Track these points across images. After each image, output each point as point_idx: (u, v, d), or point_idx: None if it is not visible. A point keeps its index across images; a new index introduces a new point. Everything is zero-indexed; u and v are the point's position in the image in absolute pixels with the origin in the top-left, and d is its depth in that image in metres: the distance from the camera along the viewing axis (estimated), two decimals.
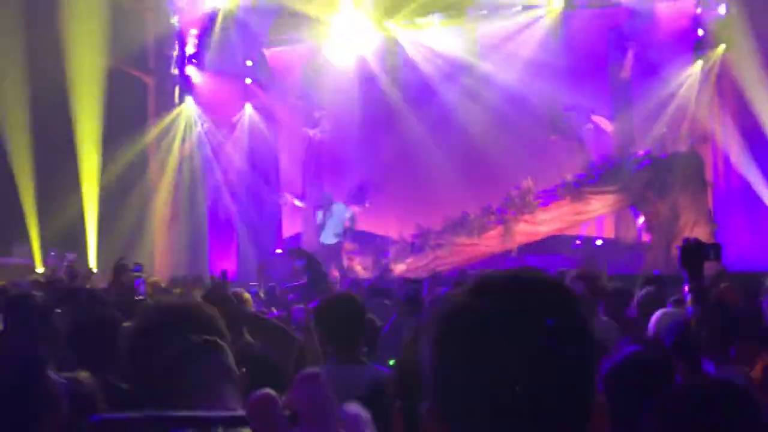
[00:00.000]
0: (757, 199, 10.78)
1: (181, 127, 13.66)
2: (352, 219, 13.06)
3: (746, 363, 3.03)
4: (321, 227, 13.14)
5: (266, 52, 14.59)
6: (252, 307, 4.70)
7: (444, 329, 0.99)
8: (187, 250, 13.05)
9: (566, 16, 12.64)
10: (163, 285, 6.96)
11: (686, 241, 3.09)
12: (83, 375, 2.55)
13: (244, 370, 2.18)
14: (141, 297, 5.21)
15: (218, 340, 2.10)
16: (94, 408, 2.35)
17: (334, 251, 12.91)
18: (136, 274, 5.61)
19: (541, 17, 12.76)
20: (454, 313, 1.00)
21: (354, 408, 2.29)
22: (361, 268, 13.04)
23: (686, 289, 3.01)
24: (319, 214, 13.15)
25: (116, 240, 11.54)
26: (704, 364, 2.80)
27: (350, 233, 13.12)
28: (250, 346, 3.76)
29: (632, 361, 2.37)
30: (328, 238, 12.98)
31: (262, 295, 7.91)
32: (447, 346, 0.98)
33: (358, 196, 13.63)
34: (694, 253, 3.02)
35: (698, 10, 11.92)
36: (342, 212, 13.06)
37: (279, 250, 13.96)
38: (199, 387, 1.97)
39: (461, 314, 0.99)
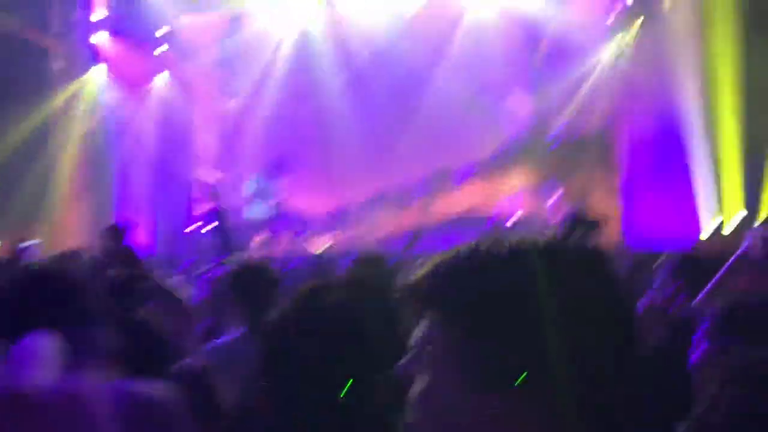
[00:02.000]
0: (664, 179, 11.01)
1: (87, 96, 13.03)
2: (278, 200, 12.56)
3: None
4: (249, 200, 12.65)
5: (183, 18, 14.04)
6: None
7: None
8: (93, 227, 12.53)
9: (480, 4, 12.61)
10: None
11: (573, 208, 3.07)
12: None
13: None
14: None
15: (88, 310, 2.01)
16: None
17: (257, 227, 12.51)
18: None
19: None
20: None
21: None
22: (276, 244, 12.85)
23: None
24: (250, 185, 12.57)
25: (14, 216, 10.99)
26: None
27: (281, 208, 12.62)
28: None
29: None
30: (254, 212, 12.53)
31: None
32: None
33: (277, 169, 13.35)
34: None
35: None
36: (273, 186, 12.54)
37: (189, 228, 13.60)
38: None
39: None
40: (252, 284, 3.49)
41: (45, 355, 1.90)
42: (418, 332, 1.09)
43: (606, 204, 10.95)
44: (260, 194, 12.53)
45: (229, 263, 5.97)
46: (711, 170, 10.55)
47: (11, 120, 11.47)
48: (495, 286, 1.02)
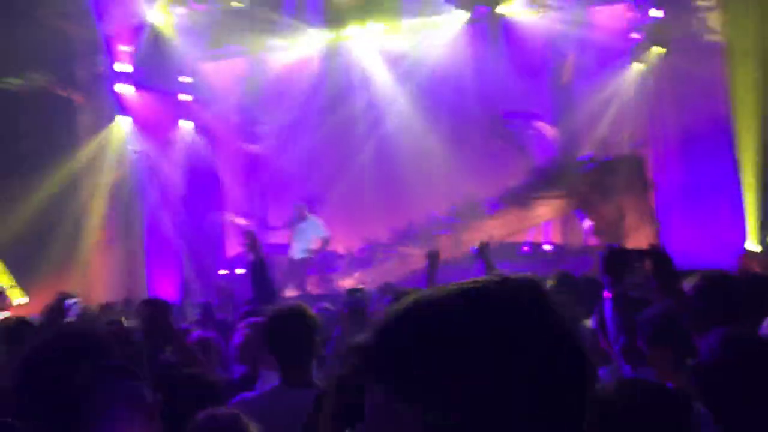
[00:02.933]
0: (696, 198, 10.94)
1: (114, 147, 13.13)
2: (326, 238, 12.43)
3: (660, 367, 2.93)
4: (292, 241, 12.53)
5: (202, 66, 14.24)
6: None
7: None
8: (124, 274, 12.51)
9: (504, 24, 12.69)
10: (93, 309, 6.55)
11: (609, 246, 3.08)
12: None
13: (159, 396, 2.08)
14: (71, 319, 4.90)
15: (126, 365, 2.02)
16: None
17: (299, 267, 12.38)
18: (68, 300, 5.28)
19: (481, 24, 12.81)
20: None
21: None
22: (308, 284, 12.75)
23: (605, 294, 2.93)
24: (299, 227, 12.43)
25: (47, 267, 10.99)
26: (623, 367, 2.73)
27: (323, 249, 12.48)
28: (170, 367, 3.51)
29: None
30: (297, 253, 12.41)
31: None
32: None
33: (307, 209, 13.32)
34: (616, 259, 2.98)
35: (630, 15, 12.09)
36: (316, 226, 12.45)
37: (223, 271, 13.55)
38: (103, 416, 1.91)
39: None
40: (287, 333, 3.16)
41: None
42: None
43: (642, 224, 10.83)
44: (314, 233, 12.36)
45: (266, 309, 5.86)
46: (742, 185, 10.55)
47: (43, 172, 11.57)
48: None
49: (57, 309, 5.26)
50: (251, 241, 6.45)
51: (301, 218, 12.36)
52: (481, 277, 0.97)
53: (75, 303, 5.33)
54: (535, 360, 0.89)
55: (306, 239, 12.23)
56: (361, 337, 0.98)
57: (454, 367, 0.88)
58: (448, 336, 0.89)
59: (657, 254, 3.00)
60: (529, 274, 0.98)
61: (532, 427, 0.88)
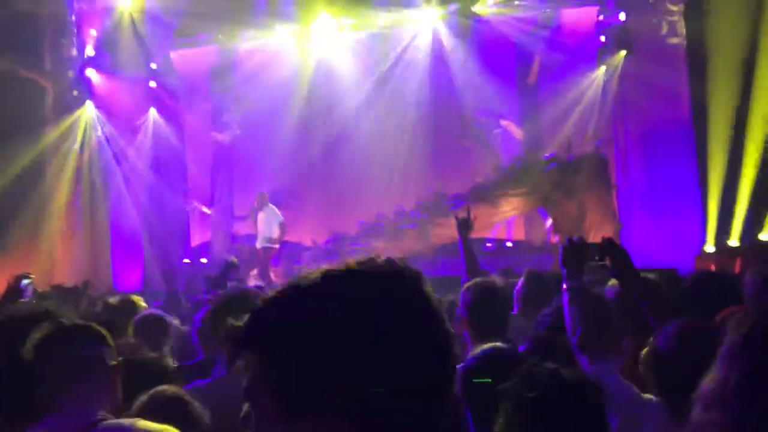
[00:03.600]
0: (657, 199, 11.17)
1: (80, 132, 13.00)
2: (282, 224, 12.57)
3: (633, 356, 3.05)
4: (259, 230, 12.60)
5: (172, 54, 14.13)
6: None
7: None
8: (89, 261, 12.41)
9: (474, 24, 12.82)
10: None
11: (569, 239, 3.06)
12: None
13: (120, 359, 2.13)
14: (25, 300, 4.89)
15: (85, 326, 2.06)
16: None
17: (261, 257, 12.48)
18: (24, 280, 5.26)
19: (451, 21, 12.94)
20: None
21: None
22: (273, 275, 12.77)
23: (564, 287, 2.99)
24: (260, 216, 12.53)
25: (9, 251, 10.86)
26: (579, 359, 2.82)
27: (282, 237, 12.60)
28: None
29: (487, 358, 2.54)
30: (260, 242, 12.52)
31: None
32: None
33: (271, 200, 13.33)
34: (575, 252, 3.00)
35: (600, 17, 12.29)
36: (275, 215, 12.56)
37: (186, 260, 13.51)
38: (61, 380, 1.97)
39: None
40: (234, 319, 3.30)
41: None
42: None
43: (604, 223, 11.05)
44: (274, 222, 12.45)
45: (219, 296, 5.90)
46: (706, 184, 10.79)
47: (7, 155, 11.41)
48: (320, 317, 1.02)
49: (14, 290, 5.26)
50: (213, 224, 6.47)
51: (261, 207, 12.46)
52: (344, 262, 1.11)
53: (29, 283, 5.32)
54: (388, 338, 1.00)
55: (268, 228, 12.35)
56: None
57: (313, 344, 1.00)
58: (307, 318, 1.03)
59: (613, 247, 3.09)
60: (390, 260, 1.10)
61: (391, 402, 0.98)
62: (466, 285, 3.74)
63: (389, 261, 1.09)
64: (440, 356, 1.04)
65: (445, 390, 1.04)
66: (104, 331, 2.10)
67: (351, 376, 0.98)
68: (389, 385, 0.98)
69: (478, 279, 3.88)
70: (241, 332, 1.06)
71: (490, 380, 2.22)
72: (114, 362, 2.08)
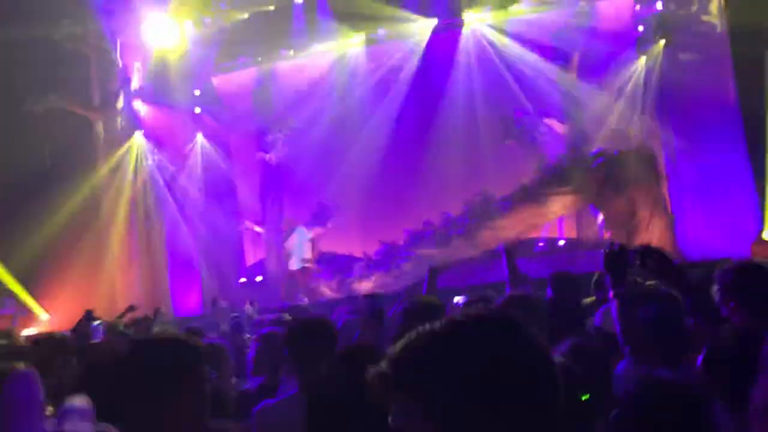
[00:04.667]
0: (708, 187, 10.95)
1: (132, 162, 13.42)
2: (313, 241, 12.90)
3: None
4: (289, 254, 12.99)
5: (214, 79, 14.46)
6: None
7: None
8: (148, 287, 12.77)
9: (511, 23, 12.79)
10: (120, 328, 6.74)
11: (609, 245, 3.06)
12: None
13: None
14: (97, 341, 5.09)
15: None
16: None
17: (301, 276, 12.79)
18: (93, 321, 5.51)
19: (483, 26, 12.95)
20: None
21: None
22: (327, 289, 12.92)
23: (610, 294, 2.97)
24: (291, 240, 12.95)
25: (72, 283, 11.26)
26: (637, 366, 2.79)
27: (316, 256, 12.98)
28: None
29: (571, 351, 2.54)
30: (296, 263, 12.83)
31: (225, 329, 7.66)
32: None
33: (320, 216, 13.51)
34: (617, 258, 3.01)
35: (637, 7, 12.14)
36: (304, 235, 12.94)
37: (243, 279, 13.77)
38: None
39: None
40: (307, 342, 3.26)
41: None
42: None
43: (655, 216, 10.90)
44: (304, 243, 12.79)
45: (286, 318, 5.98)
46: (763, 170, 10.52)
47: (64, 191, 11.85)
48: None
49: (84, 334, 5.51)
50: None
51: (291, 231, 12.82)
52: (464, 314, 1.25)
53: (99, 324, 5.54)
54: (512, 385, 1.17)
55: (300, 249, 12.66)
56: (387, 358, 1.23)
57: (465, 381, 1.16)
58: (443, 368, 1.18)
59: (654, 253, 3.03)
60: (507, 313, 1.26)
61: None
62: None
63: (496, 310, 1.30)
64: (552, 387, 1.21)
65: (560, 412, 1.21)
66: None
67: (498, 406, 1.16)
68: (528, 407, 1.17)
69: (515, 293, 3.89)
70: (390, 377, 1.21)
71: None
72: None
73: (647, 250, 2.97)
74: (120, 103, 13.71)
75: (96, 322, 5.57)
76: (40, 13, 11.59)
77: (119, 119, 13.71)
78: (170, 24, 13.29)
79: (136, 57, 13.86)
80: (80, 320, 5.97)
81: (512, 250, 5.26)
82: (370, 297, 4.51)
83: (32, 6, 11.40)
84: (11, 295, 12.02)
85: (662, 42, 11.68)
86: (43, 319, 12.01)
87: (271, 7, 13.17)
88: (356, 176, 13.35)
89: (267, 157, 14.32)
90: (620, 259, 3.01)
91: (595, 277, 5.44)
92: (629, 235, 10.63)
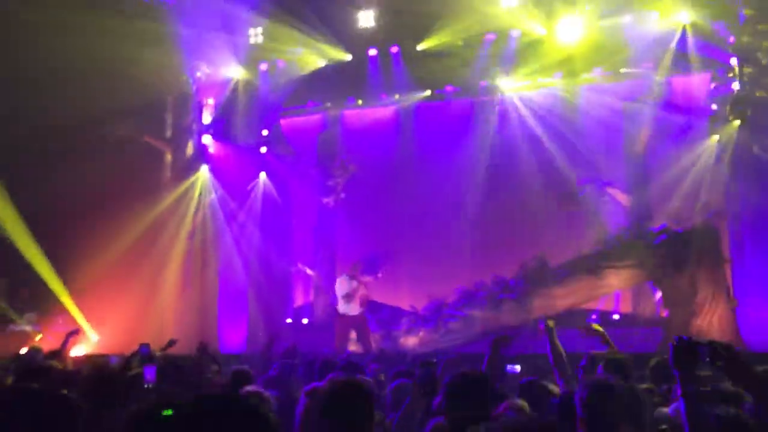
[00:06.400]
0: None
1: (196, 195, 13.73)
2: (362, 289, 12.71)
3: None
4: (339, 298, 12.86)
5: (282, 121, 14.79)
6: None
7: None
8: (197, 319, 12.90)
9: (582, 90, 12.76)
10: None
11: (678, 339, 2.83)
12: None
13: None
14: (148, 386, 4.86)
15: None
16: None
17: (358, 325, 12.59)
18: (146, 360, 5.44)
19: (557, 92, 12.95)
20: None
21: None
22: (372, 340, 12.79)
23: (678, 392, 2.80)
24: (344, 281, 12.81)
25: (126, 307, 11.47)
26: None
27: (364, 305, 12.79)
28: None
29: None
30: (341, 308, 12.70)
31: None
32: None
33: (371, 265, 13.48)
34: (687, 353, 2.78)
35: (712, 86, 11.97)
36: (350, 283, 12.75)
37: (289, 320, 13.79)
38: None
39: None
40: (347, 407, 3.07)
41: None
42: None
43: (716, 299, 10.51)
44: (353, 291, 12.64)
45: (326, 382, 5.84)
46: None
47: (130, 216, 12.17)
48: None
49: (134, 361, 5.55)
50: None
51: (342, 276, 12.71)
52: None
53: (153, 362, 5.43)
54: None
55: (348, 296, 12.50)
56: None
57: None
58: None
59: (724, 350, 2.85)
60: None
61: None
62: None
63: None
64: None
65: None
66: None
67: None
68: None
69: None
70: None
71: None
72: None
73: (718, 348, 2.78)
74: (190, 138, 14.11)
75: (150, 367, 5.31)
76: (123, 43, 12.09)
77: (188, 152, 14.09)
78: (246, 64, 13.72)
79: (209, 93, 14.30)
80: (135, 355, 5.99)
81: (502, 344, 5.07)
82: (427, 365, 4.37)
83: (117, 36, 11.88)
84: (65, 312, 12.30)
85: (737, 123, 11.45)
86: (93, 340, 12.22)
87: (349, 57, 13.46)
88: (411, 228, 13.36)
89: (325, 200, 14.46)
90: (690, 355, 2.80)
91: (652, 363, 5.19)
92: (688, 316, 10.28)
